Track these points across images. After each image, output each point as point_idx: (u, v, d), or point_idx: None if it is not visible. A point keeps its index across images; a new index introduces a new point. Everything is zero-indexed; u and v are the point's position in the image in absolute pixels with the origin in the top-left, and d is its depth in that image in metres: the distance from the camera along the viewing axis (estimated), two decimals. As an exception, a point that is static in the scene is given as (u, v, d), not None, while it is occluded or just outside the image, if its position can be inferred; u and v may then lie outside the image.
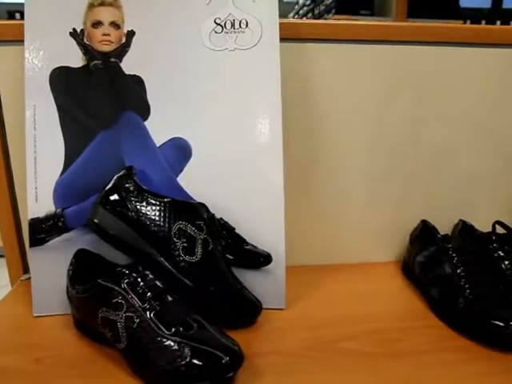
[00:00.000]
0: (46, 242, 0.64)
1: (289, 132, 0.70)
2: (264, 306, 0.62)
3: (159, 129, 0.65)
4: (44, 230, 0.64)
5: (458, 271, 0.63)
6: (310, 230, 0.76)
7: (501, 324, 0.56)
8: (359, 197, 0.77)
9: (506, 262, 0.65)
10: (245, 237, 0.64)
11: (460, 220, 0.75)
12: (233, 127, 0.64)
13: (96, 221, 0.58)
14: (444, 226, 0.75)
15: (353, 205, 0.77)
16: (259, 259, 0.63)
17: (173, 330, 0.50)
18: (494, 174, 0.79)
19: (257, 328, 0.60)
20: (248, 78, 0.64)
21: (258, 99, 0.64)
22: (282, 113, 0.66)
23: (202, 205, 0.61)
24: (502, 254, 0.66)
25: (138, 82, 0.65)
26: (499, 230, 0.71)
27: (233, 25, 0.65)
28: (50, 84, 0.64)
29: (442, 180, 0.78)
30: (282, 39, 0.66)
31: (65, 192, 0.64)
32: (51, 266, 0.63)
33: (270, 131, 0.64)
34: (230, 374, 0.48)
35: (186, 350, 0.48)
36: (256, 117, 0.64)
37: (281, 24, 0.65)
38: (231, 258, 0.63)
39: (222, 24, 0.65)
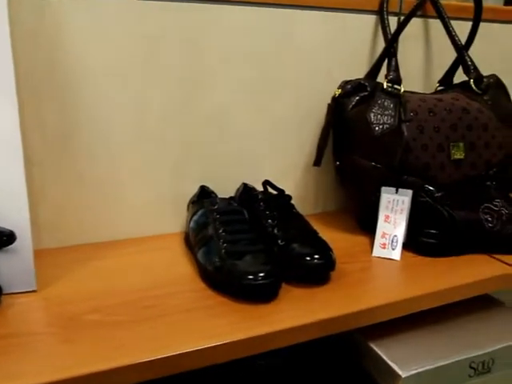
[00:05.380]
0: None
1: (41, 104, 0.70)
2: (12, 290, 0.61)
3: None
4: None
5: (220, 231, 0.67)
6: (78, 209, 0.76)
7: (250, 277, 0.61)
8: (132, 170, 0.78)
9: (270, 221, 0.72)
10: (-14, 216, 0.63)
11: (242, 183, 0.81)
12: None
13: None
14: (231, 190, 0.82)
15: (125, 178, 0.78)
16: (1, 238, 0.62)
17: None
18: (271, 134, 0.86)
19: (-1, 313, 0.60)
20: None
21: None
22: (28, 83, 0.66)
23: None
24: (267, 213, 0.72)
25: None
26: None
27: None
28: None
29: (221, 145, 0.82)
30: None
31: None
32: None
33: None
34: None
35: None
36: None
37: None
38: (-30, 240, 0.62)
39: None
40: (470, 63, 0.88)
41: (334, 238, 0.78)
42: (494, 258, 0.76)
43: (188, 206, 0.78)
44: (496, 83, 0.89)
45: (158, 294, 0.63)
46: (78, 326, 0.56)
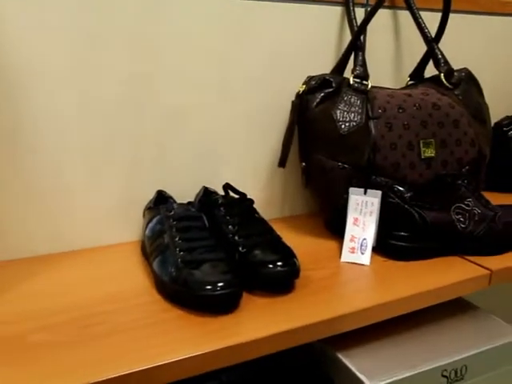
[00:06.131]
0: None
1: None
2: None
3: None
4: None
5: (176, 239, 0.64)
6: (22, 219, 0.71)
7: (208, 287, 0.58)
8: (81, 174, 0.74)
9: (230, 227, 0.69)
10: None
11: (203, 186, 0.78)
12: None
13: None
14: (192, 195, 0.79)
15: (74, 183, 0.74)
16: None
17: None
18: (233, 134, 0.83)
19: None
20: None
21: None
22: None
23: None
24: (227, 218, 0.70)
25: None
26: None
27: None
28: None
29: (179, 146, 0.79)
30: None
31: None
32: None
33: None
34: None
35: None
36: None
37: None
38: None
39: None
40: (440, 56, 0.86)
41: (301, 243, 0.76)
42: (467, 259, 0.75)
43: (144, 212, 0.75)
44: (467, 77, 0.88)
45: (108, 310, 0.60)
46: (20, 348, 0.52)
